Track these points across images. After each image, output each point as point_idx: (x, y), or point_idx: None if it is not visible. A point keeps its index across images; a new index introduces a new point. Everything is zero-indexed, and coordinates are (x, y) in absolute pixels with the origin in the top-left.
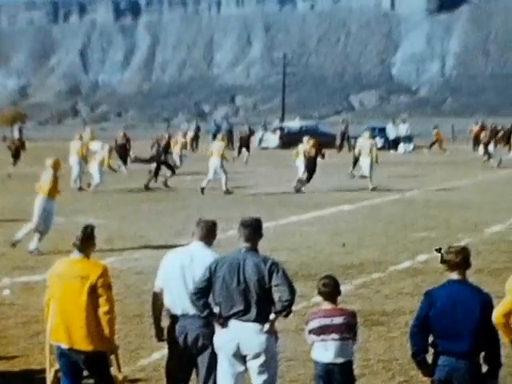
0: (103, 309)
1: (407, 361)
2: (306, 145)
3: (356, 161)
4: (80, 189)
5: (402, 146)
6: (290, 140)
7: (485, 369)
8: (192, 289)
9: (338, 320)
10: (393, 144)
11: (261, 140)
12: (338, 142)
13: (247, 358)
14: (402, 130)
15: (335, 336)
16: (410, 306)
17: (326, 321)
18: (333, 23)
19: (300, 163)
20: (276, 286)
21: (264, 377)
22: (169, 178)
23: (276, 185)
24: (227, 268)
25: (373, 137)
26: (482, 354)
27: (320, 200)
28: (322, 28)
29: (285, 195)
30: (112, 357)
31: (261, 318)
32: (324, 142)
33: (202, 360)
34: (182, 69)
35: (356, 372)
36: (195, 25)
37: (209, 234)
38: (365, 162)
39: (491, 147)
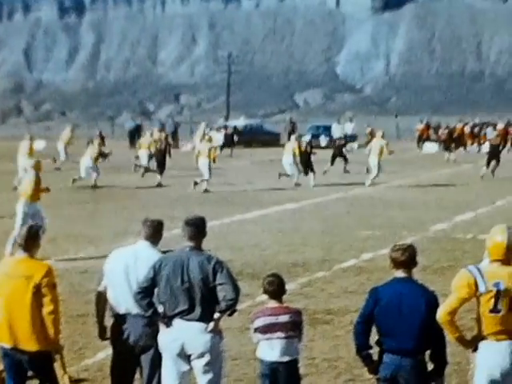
0: (47, 308)
1: (352, 359)
2: (295, 143)
3: (334, 157)
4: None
5: (347, 145)
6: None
7: (430, 367)
8: (136, 288)
9: (284, 318)
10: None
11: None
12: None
13: (192, 358)
14: (349, 128)
15: (281, 334)
16: (355, 304)
17: (272, 319)
18: (278, 21)
19: (286, 161)
20: (220, 284)
21: (209, 376)
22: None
23: (220, 184)
24: (171, 267)
25: (317, 135)
26: (428, 351)
27: (264, 199)
28: (267, 26)
29: (229, 194)
30: (57, 357)
31: (205, 317)
32: (269, 140)
33: (146, 359)
34: (127, 67)
35: (301, 371)
36: (140, 23)
37: (155, 233)
38: (373, 160)
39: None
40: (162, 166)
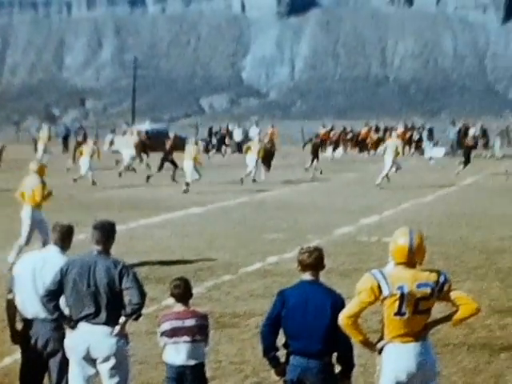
0: None
1: (259, 362)
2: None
3: (314, 157)
4: None
5: None
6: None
7: (338, 369)
8: (43, 291)
9: (190, 322)
10: (241, 147)
11: (111, 143)
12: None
13: (98, 362)
14: (254, 132)
15: (187, 338)
16: (261, 307)
17: (178, 323)
18: (183, 26)
19: (250, 159)
20: (126, 289)
21: (115, 380)
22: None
23: (126, 188)
24: (78, 270)
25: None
26: (335, 354)
27: (170, 203)
28: (173, 31)
29: (134, 198)
30: None
31: (111, 321)
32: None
33: (53, 364)
34: (33, 71)
35: (208, 374)
36: (46, 27)
37: (64, 238)
38: (388, 160)
39: (341, 149)
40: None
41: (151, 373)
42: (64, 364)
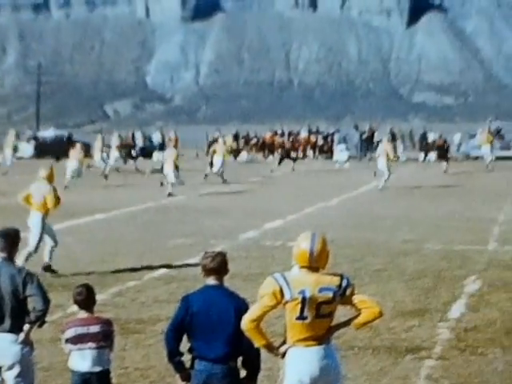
0: None
1: (164, 368)
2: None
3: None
4: None
5: (156, 155)
6: (44, 149)
7: (243, 373)
8: None
9: (95, 329)
10: (144, 152)
11: (15, 149)
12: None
13: (3, 369)
14: (157, 138)
15: (92, 345)
16: (166, 313)
17: (83, 329)
18: (88, 32)
19: (217, 160)
20: (30, 296)
21: None
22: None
23: None
24: None
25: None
26: (241, 358)
27: (75, 209)
28: (77, 36)
29: None
30: None
31: (15, 329)
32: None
33: None
34: None
35: (114, 381)
36: None
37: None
38: (382, 164)
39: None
40: None
41: (57, 380)
42: None
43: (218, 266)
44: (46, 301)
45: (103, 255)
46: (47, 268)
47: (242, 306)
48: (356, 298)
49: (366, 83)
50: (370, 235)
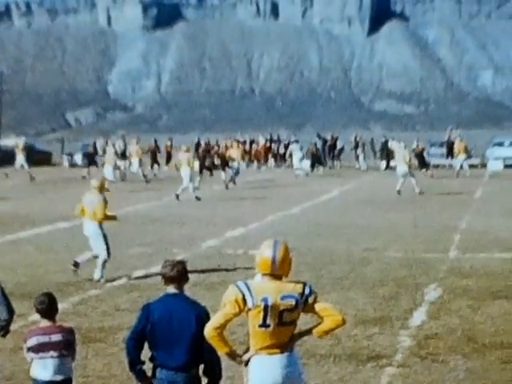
0: None
1: (126, 376)
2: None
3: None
4: None
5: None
6: (4, 158)
7: (205, 381)
8: None
9: (57, 337)
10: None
11: None
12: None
13: None
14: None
15: (54, 353)
16: (128, 321)
17: (45, 338)
18: (49, 40)
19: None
20: None
21: None
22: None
23: None
24: None
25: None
26: (202, 366)
27: (36, 218)
28: (39, 45)
29: (0, 213)
30: None
31: None
32: (41, 159)
33: None
34: None
35: None
36: None
37: None
38: (403, 169)
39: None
40: None
41: None
42: None
43: (179, 274)
44: (10, 310)
45: (64, 264)
46: (76, 265)
47: (202, 314)
48: (318, 306)
49: (327, 91)
50: (331, 243)
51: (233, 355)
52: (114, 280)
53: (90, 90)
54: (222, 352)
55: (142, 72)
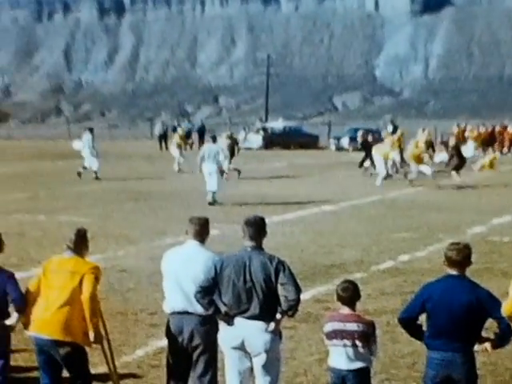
0: (86, 293)
1: (388, 359)
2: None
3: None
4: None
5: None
6: (273, 140)
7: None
8: (196, 287)
9: (352, 326)
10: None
11: (244, 140)
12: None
13: (252, 355)
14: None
15: (347, 342)
16: (392, 305)
17: (340, 325)
18: (316, 24)
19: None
20: (282, 284)
21: (267, 377)
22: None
23: (254, 185)
24: (233, 267)
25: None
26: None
27: (301, 200)
28: (306, 29)
29: (263, 195)
30: (106, 348)
31: (266, 317)
32: (307, 142)
33: (198, 357)
34: (166, 69)
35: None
36: (179, 25)
37: (202, 230)
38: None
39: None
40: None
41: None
42: (211, 358)
43: (463, 259)
44: (298, 290)
45: (329, 246)
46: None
47: (483, 297)
48: None
49: None
50: None
51: None
52: (378, 263)
53: (358, 75)
54: None
55: (410, 57)
